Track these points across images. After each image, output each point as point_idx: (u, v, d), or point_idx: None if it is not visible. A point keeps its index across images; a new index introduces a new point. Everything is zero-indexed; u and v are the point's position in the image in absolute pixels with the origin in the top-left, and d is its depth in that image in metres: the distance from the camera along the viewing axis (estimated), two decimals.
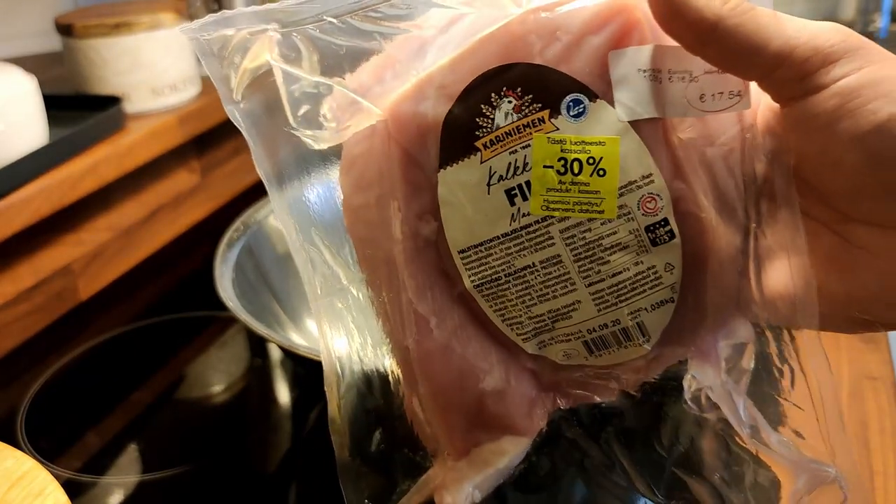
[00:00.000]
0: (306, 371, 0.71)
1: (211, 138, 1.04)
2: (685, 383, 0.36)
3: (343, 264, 0.37)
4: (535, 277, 0.33)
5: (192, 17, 1.02)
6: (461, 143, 0.32)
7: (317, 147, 0.34)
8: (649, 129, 0.31)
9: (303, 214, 0.37)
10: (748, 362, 0.35)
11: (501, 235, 0.32)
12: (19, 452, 0.51)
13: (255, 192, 0.76)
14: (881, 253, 0.30)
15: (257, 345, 0.78)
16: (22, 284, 0.80)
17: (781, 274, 0.32)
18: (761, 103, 0.32)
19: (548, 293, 0.33)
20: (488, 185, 0.32)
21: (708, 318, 0.33)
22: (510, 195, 0.32)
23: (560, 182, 0.31)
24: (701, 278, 0.32)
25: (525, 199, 0.32)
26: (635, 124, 0.31)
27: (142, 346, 0.81)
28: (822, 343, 0.33)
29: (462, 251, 0.33)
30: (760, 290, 0.33)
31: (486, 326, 0.34)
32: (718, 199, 0.32)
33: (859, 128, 0.28)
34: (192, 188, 1.03)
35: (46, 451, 0.65)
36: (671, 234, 0.32)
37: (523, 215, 0.32)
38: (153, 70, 0.93)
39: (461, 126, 0.32)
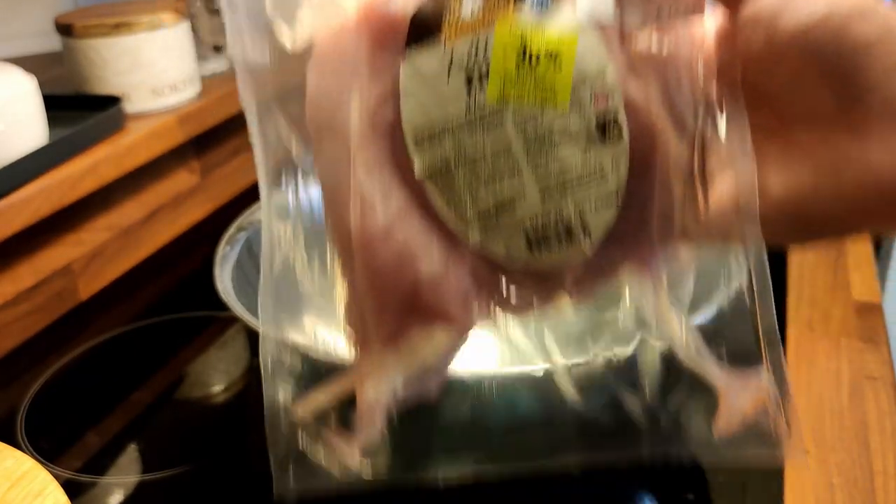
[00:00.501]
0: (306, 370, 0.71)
1: (211, 139, 1.04)
2: (623, 301, 0.37)
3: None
4: (485, 166, 0.34)
5: (191, 17, 1.02)
6: (427, 30, 0.33)
7: (290, 47, 0.35)
8: (608, 33, 0.33)
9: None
10: (690, 282, 0.36)
11: (456, 122, 0.33)
12: (19, 452, 0.51)
13: (255, 193, 0.76)
14: (817, 148, 0.32)
15: (257, 345, 0.78)
16: (22, 284, 0.81)
17: (727, 185, 0.34)
18: (716, 21, 0.34)
19: (495, 182, 0.34)
20: (448, 71, 0.33)
21: (652, 226, 0.34)
22: (468, 82, 0.33)
23: (518, 71, 0.32)
24: (647, 183, 0.34)
25: (482, 86, 0.33)
26: (595, 25, 0.32)
27: (142, 346, 0.81)
28: (766, 263, 0.34)
29: (417, 137, 0.34)
30: (706, 202, 0.34)
31: (431, 216, 0.35)
32: (669, 109, 0.33)
33: (800, 21, 0.30)
34: (191, 188, 1.03)
35: (46, 451, 0.66)
36: (620, 132, 0.33)
37: (479, 102, 0.33)
38: (153, 70, 0.93)
39: (429, 14, 0.33)
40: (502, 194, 0.34)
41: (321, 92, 0.35)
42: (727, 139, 0.33)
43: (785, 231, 0.34)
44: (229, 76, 1.07)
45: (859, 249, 0.84)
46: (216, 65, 1.08)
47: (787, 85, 0.32)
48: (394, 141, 0.34)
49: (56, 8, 1.15)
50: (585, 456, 0.42)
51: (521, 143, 0.33)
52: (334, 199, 0.35)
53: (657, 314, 0.36)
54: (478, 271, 0.36)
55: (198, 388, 0.75)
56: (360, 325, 0.37)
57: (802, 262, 0.82)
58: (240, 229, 0.70)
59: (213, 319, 0.82)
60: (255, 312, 0.60)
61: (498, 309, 0.37)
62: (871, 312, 0.73)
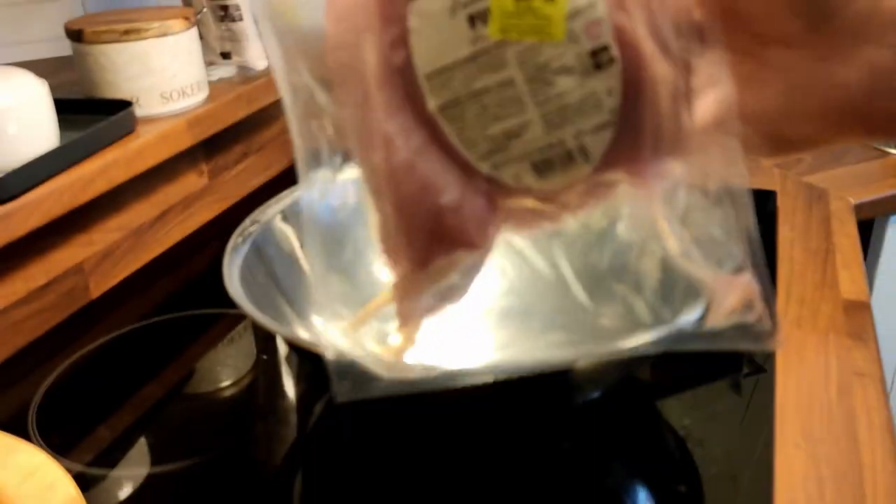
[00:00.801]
0: (312, 366, 0.72)
1: (219, 142, 1.06)
2: (622, 211, 0.40)
3: None
4: (491, 99, 0.36)
5: (199, 24, 1.03)
6: None
7: None
8: None
9: None
10: (682, 193, 0.39)
11: (462, 59, 0.36)
12: (31, 446, 0.52)
13: (263, 194, 0.77)
14: (789, 68, 0.35)
15: (264, 341, 0.80)
16: (34, 283, 0.82)
17: (709, 104, 0.36)
18: None
19: (501, 114, 0.36)
20: (452, 11, 0.35)
21: (645, 145, 0.37)
22: (471, 20, 0.35)
23: (516, 7, 0.35)
24: (639, 106, 0.36)
25: (484, 23, 0.35)
26: None
27: (151, 342, 0.82)
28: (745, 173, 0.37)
29: (428, 75, 0.36)
30: (691, 120, 0.36)
31: (446, 149, 0.38)
32: (655, 35, 0.35)
33: None
34: (200, 190, 1.05)
35: (58, 445, 0.67)
36: (612, 60, 0.35)
37: (482, 39, 0.35)
38: (162, 75, 0.95)
39: None
40: (508, 125, 0.36)
41: (338, 41, 0.37)
42: (708, 61, 0.35)
43: (761, 144, 0.36)
44: (237, 82, 1.09)
45: (847, 248, 0.85)
46: (224, 70, 1.10)
47: (764, 12, 0.34)
48: (408, 81, 0.36)
49: (67, 14, 1.17)
50: (596, 349, 0.45)
51: (523, 77, 0.35)
52: (360, 139, 0.38)
53: (652, 223, 0.38)
54: (492, 198, 0.39)
55: (206, 384, 0.76)
56: (393, 251, 0.40)
57: (792, 261, 0.83)
58: (248, 229, 0.71)
59: (222, 316, 0.84)
60: (262, 309, 0.61)
61: (512, 230, 0.40)
62: (859, 310, 0.74)
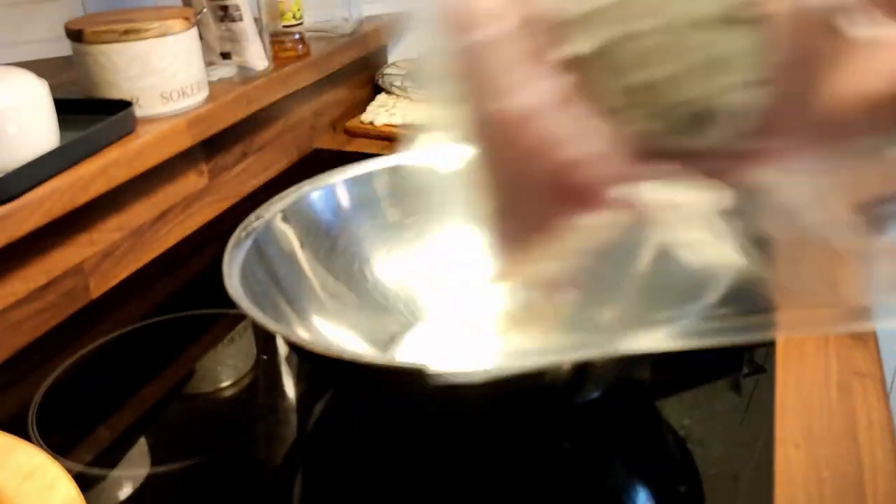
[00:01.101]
0: (312, 366, 0.72)
1: (219, 142, 1.06)
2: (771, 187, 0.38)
3: None
4: (633, 49, 0.34)
5: (199, 25, 1.04)
6: None
7: None
8: None
9: None
10: (842, 166, 0.36)
11: (605, 6, 0.34)
12: (31, 446, 0.52)
13: (263, 194, 0.78)
14: None
15: (264, 341, 0.80)
16: (34, 283, 0.82)
17: (872, 72, 0.33)
18: None
19: (643, 65, 0.34)
20: None
21: (798, 116, 0.34)
22: None
23: None
24: (795, 71, 0.33)
25: None
26: None
27: (151, 342, 0.82)
28: None
29: (565, 22, 0.34)
30: (852, 91, 0.34)
31: (577, 99, 0.35)
32: None
33: None
34: (200, 190, 1.05)
35: (57, 445, 0.67)
36: (763, 16, 0.33)
37: None
38: (162, 75, 0.95)
39: None
40: (649, 76, 0.34)
41: None
42: (869, 28, 0.33)
43: None
44: (237, 82, 1.09)
45: None
46: (224, 71, 1.10)
47: None
48: (542, 28, 0.35)
49: (67, 14, 1.17)
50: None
51: (667, 26, 0.33)
52: (479, 87, 0.36)
53: (809, 200, 0.36)
54: (623, 156, 0.36)
55: (206, 384, 0.76)
56: (506, 215, 0.38)
57: None
58: (248, 229, 0.71)
59: (222, 316, 0.84)
60: (262, 309, 0.61)
61: (640, 194, 0.37)
62: None
